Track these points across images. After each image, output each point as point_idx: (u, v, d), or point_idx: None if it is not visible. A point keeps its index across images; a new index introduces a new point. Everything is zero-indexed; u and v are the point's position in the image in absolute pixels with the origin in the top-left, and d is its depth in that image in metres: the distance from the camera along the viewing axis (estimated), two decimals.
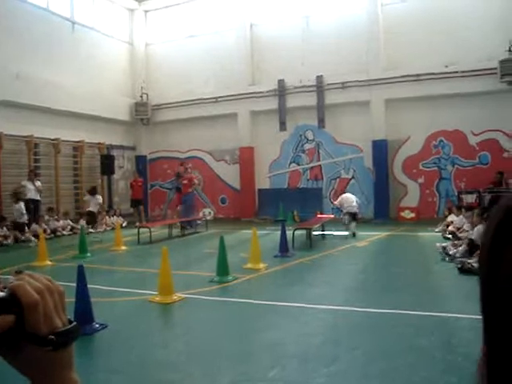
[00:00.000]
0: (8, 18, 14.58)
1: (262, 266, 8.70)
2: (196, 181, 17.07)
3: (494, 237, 0.56)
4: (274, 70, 17.76)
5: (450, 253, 8.25)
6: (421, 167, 16.29)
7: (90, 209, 15.98)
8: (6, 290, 0.66)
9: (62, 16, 16.89)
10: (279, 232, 10.23)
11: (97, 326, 5.28)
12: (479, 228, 7.96)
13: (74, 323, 0.71)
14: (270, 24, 18.34)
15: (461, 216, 11.53)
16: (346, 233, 12.59)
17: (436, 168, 16.13)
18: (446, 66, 15.28)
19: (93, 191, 16.19)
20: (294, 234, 10.82)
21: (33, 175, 14.31)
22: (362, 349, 4.55)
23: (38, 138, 15.43)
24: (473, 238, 8.29)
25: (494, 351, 0.55)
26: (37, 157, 15.78)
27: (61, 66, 16.21)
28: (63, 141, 16.30)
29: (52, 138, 15.96)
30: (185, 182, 16.10)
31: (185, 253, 10.87)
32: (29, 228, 13.77)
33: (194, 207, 16.72)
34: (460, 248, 8.49)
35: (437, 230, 12.59)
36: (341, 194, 14.30)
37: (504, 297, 0.53)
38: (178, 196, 17.06)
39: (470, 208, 11.06)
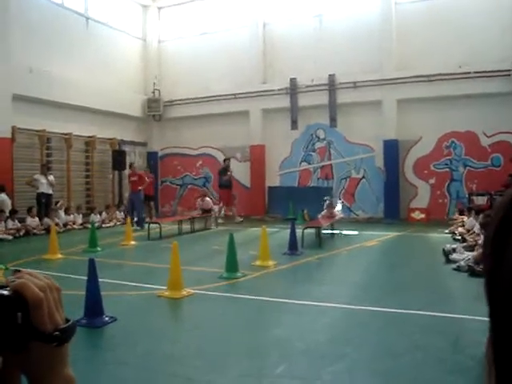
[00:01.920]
0: (22, 12, 14.69)
1: (271, 263, 8.72)
2: (147, 179, 16.04)
3: (497, 229, 0.57)
4: (286, 68, 17.75)
5: (457, 265, 8.09)
6: (432, 168, 16.22)
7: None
8: (8, 289, 0.67)
9: (76, 11, 16.99)
10: (289, 230, 10.24)
11: (106, 319, 5.33)
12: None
13: (72, 320, 0.73)
14: (283, 23, 18.32)
15: (471, 218, 11.47)
16: (356, 232, 12.61)
17: (447, 169, 16.06)
18: (460, 67, 15.18)
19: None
20: (303, 232, 10.82)
21: (45, 169, 14.41)
22: (368, 347, 4.56)
23: (50, 132, 15.54)
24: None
25: (500, 342, 0.56)
26: (49, 151, 15.90)
27: (74, 61, 16.31)
28: (75, 135, 16.40)
29: (64, 132, 16.07)
30: (134, 178, 15.40)
31: (194, 249, 10.90)
32: (41, 221, 13.91)
33: (141, 206, 15.72)
34: (469, 254, 8.36)
35: (447, 231, 12.52)
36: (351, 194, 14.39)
37: (508, 288, 0.54)
38: (222, 193, 17.15)
39: (480, 210, 11.00)
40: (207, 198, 15.76)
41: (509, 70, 14.48)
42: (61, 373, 0.72)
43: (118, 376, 4.06)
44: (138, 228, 14.41)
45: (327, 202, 12.89)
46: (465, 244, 9.52)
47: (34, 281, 0.70)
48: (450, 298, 6.40)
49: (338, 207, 13.38)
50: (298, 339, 4.78)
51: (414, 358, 4.21)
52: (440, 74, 15.44)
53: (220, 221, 16.19)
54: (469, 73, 15.04)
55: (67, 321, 0.73)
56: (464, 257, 8.27)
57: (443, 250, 8.89)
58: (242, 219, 16.54)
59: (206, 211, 15.39)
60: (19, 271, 0.72)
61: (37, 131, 15.13)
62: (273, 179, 18.52)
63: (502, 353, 0.55)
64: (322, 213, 12.57)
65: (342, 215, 13.28)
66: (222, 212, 16.87)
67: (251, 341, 4.88)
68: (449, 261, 8.45)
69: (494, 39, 14.77)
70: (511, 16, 14.73)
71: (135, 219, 14.92)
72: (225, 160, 17.46)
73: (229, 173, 16.95)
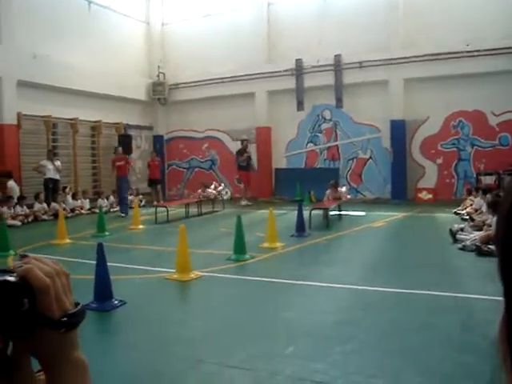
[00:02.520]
0: None
1: (278, 245, 8.73)
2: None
3: (510, 210, 0.55)
4: (291, 49, 17.59)
5: (464, 244, 8.05)
6: (439, 148, 16.12)
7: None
8: (14, 275, 0.66)
9: None
10: (296, 212, 10.24)
11: (116, 302, 5.36)
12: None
13: (81, 304, 0.73)
14: (287, 2, 18.13)
15: (478, 198, 11.42)
16: (363, 213, 12.57)
17: (455, 149, 15.95)
18: (468, 45, 14.98)
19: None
20: (310, 214, 10.82)
21: (52, 155, 14.43)
22: (377, 327, 4.57)
23: (55, 118, 15.53)
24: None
25: None
26: (55, 137, 15.92)
27: (78, 45, 16.23)
28: (81, 120, 16.39)
29: (70, 117, 16.06)
30: (121, 163, 14.76)
31: (202, 231, 10.94)
32: (49, 206, 13.96)
33: (126, 191, 15.09)
34: (475, 235, 8.30)
35: (456, 210, 12.45)
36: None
37: None
38: (241, 174, 17.16)
39: (488, 190, 10.94)
40: (208, 190, 15.42)
41: None
42: (71, 357, 0.72)
43: (128, 358, 4.08)
44: (123, 215, 14.15)
45: (330, 182, 12.75)
46: (472, 224, 9.47)
47: (41, 266, 0.69)
48: (459, 277, 6.39)
49: (343, 189, 13.15)
50: (307, 320, 4.80)
51: (424, 337, 4.21)
52: (447, 53, 15.26)
53: (243, 203, 16.21)
54: (477, 51, 14.84)
55: (77, 305, 0.72)
56: (471, 236, 8.25)
57: (450, 230, 8.86)
58: (248, 203, 16.34)
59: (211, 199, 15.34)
60: (26, 256, 0.72)
61: (42, 117, 15.13)
62: (279, 161, 18.48)
63: None
64: (326, 193, 12.49)
65: (347, 196, 13.05)
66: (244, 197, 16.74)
67: (260, 322, 4.89)
68: (456, 241, 8.42)
69: (501, 16, 14.54)
70: None
71: (119, 206, 14.80)
72: (242, 141, 17.27)
73: (246, 154, 16.81)
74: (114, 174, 15.05)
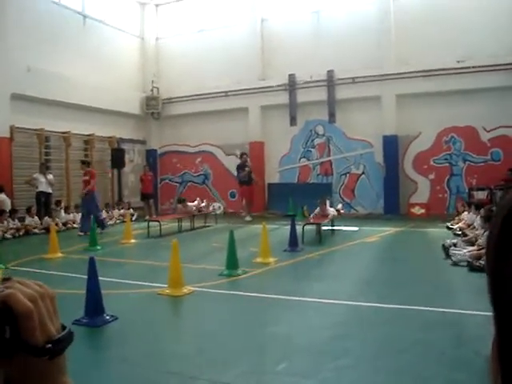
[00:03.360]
0: (19, 11, 14.64)
1: (271, 260, 8.71)
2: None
3: (501, 228, 0.55)
4: (284, 64, 17.70)
5: (456, 259, 8.07)
6: (432, 163, 16.20)
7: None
8: None
9: (74, 9, 16.94)
10: (289, 227, 10.23)
11: (107, 317, 5.31)
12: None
13: (68, 329, 0.69)
14: (281, 18, 18.29)
15: (471, 213, 11.46)
16: (356, 228, 12.52)
17: (447, 164, 16.05)
18: (458, 62, 15.16)
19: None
20: (303, 229, 10.81)
21: (44, 168, 14.38)
22: (370, 343, 4.55)
23: (48, 131, 15.51)
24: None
25: (505, 345, 0.55)
26: (48, 150, 15.87)
27: (72, 59, 16.26)
28: (74, 134, 16.37)
29: (63, 131, 16.04)
30: (86, 178, 13.68)
31: (194, 246, 10.89)
32: (40, 220, 13.88)
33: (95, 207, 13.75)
34: (468, 250, 8.32)
35: (449, 225, 12.47)
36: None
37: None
38: (243, 190, 16.78)
39: (480, 205, 10.99)
40: (189, 203, 14.75)
41: (508, 64, 14.46)
42: (57, 382, 0.69)
43: (119, 374, 4.04)
44: (102, 232, 13.25)
45: (319, 200, 12.32)
46: (465, 239, 9.50)
47: (24, 290, 0.65)
48: (451, 292, 6.39)
49: (337, 206, 12.79)
50: (300, 336, 4.77)
51: (417, 353, 4.20)
52: (439, 69, 15.41)
53: (248, 218, 15.92)
54: (468, 67, 15.01)
55: (63, 329, 0.69)
56: (464, 251, 8.26)
57: (443, 245, 8.88)
58: (251, 219, 15.89)
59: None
60: (9, 279, 0.68)
61: (35, 130, 15.10)
62: (272, 176, 18.50)
63: (508, 355, 0.54)
64: (315, 211, 12.17)
65: (334, 213, 12.26)
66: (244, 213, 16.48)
67: (252, 338, 4.86)
68: (449, 256, 8.43)
69: (493, 33, 14.71)
70: (509, 10, 14.69)
71: (83, 225, 13.33)
72: (241, 155, 17.08)
73: (246, 168, 16.49)
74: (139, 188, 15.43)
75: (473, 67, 14.96)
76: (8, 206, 13.35)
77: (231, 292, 6.73)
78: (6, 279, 0.68)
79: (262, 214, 17.13)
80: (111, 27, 18.67)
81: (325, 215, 11.89)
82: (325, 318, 5.37)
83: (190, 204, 14.76)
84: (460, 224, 11.71)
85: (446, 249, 8.70)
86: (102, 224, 13.53)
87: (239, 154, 17.41)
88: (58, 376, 0.68)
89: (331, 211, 12.10)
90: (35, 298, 0.66)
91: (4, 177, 13.70)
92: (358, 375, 3.88)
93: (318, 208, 12.06)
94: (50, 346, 0.65)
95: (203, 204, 15.53)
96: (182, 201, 14.95)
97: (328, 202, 12.75)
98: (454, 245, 8.94)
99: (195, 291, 6.57)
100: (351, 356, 4.22)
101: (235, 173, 18.18)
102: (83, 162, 14.46)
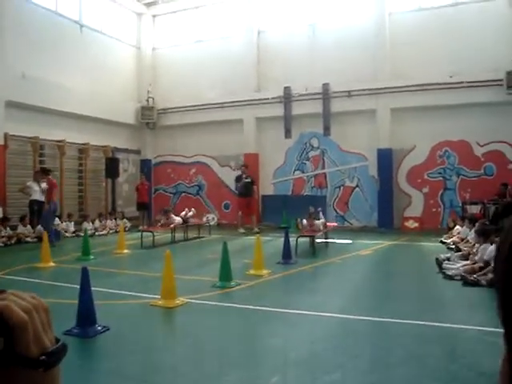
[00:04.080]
0: (16, 19, 14.66)
1: (265, 272, 8.68)
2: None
3: (508, 256, 0.55)
4: (280, 76, 17.78)
5: (449, 273, 8.08)
6: (426, 177, 16.25)
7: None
8: None
9: (71, 18, 16.98)
10: (282, 239, 10.21)
11: (99, 328, 5.26)
12: (488, 248, 7.75)
13: (62, 341, 0.70)
14: (277, 31, 18.40)
15: (464, 227, 11.49)
16: (350, 241, 12.49)
17: (441, 178, 16.10)
18: (451, 77, 15.27)
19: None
20: (297, 241, 10.80)
21: (38, 176, 14.29)
22: (363, 357, 4.52)
23: (43, 139, 15.46)
24: (476, 258, 8.16)
25: None
26: (42, 158, 15.81)
27: (68, 68, 16.28)
28: (68, 143, 16.34)
29: (57, 139, 16.00)
30: (46, 186, 13.44)
31: (188, 257, 10.86)
32: (33, 228, 13.80)
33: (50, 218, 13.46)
34: (462, 265, 8.32)
35: (442, 239, 12.47)
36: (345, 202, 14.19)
37: None
38: (239, 201, 16.55)
39: (474, 219, 11.02)
40: (173, 216, 14.03)
41: (501, 80, 14.58)
42: None
43: None
44: (54, 245, 12.27)
45: (309, 212, 12.12)
46: (459, 253, 9.51)
47: (19, 302, 0.66)
48: (445, 307, 6.38)
49: (320, 221, 12.16)
50: (293, 349, 4.74)
51: (410, 368, 4.18)
52: (433, 84, 15.52)
53: (241, 230, 15.67)
54: (461, 82, 15.12)
55: (57, 341, 0.69)
56: (457, 266, 8.27)
57: (436, 259, 8.89)
58: (258, 230, 15.20)
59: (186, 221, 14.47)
60: (3, 291, 0.68)
61: (29, 138, 15.06)
62: (267, 188, 18.50)
63: None
64: (304, 223, 11.91)
65: (322, 228, 11.92)
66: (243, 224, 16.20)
67: (245, 350, 4.83)
68: (442, 270, 8.43)
69: (486, 49, 14.85)
70: (504, 26, 14.84)
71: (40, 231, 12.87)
72: (241, 166, 16.96)
73: (244, 180, 16.27)
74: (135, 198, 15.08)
75: (465, 82, 15.06)
76: None
77: (224, 304, 6.70)
78: (0, 291, 0.68)
79: (255, 225, 16.76)
80: (108, 36, 18.73)
81: (313, 229, 11.60)
82: (317, 331, 5.34)
83: (173, 216, 14.04)
84: (454, 238, 11.73)
85: (439, 263, 8.71)
86: (52, 236, 12.55)
87: (240, 166, 17.28)
88: None
89: (319, 223, 11.88)
90: (30, 310, 0.66)
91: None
92: None
93: (305, 220, 11.86)
94: (44, 357, 0.65)
95: (190, 213, 14.92)
96: (165, 212, 14.35)
97: (320, 214, 12.69)
98: (448, 259, 8.97)
99: (188, 302, 6.53)
100: (344, 370, 4.19)
101: (229, 184, 18.22)
102: (43, 170, 13.81)
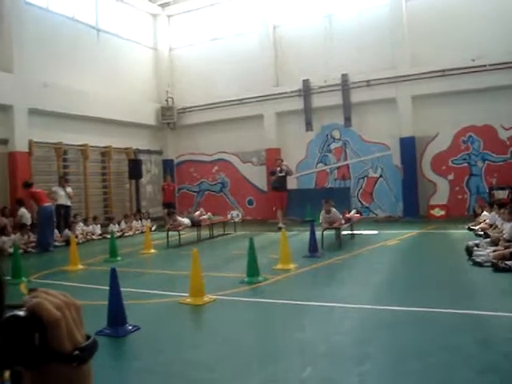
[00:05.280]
0: (35, 29, 14.91)
1: (292, 266, 8.66)
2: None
3: None
4: (298, 70, 17.70)
5: (479, 260, 7.95)
6: (450, 164, 16.03)
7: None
8: (24, 309, 0.66)
9: (87, 24, 17.16)
10: (308, 232, 10.17)
11: (130, 327, 5.31)
12: None
13: (93, 337, 0.72)
14: (293, 24, 18.30)
15: (493, 213, 11.29)
16: (376, 232, 12.37)
17: (466, 164, 15.85)
18: (473, 60, 15.00)
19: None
20: (323, 234, 10.75)
21: (63, 181, 14.49)
22: (394, 348, 4.47)
23: (66, 144, 15.66)
24: (505, 236, 8.04)
25: None
26: (66, 163, 16.02)
27: (87, 72, 16.46)
28: (91, 147, 16.52)
29: (80, 144, 16.18)
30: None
31: (214, 255, 10.89)
32: (60, 233, 13.99)
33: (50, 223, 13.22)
34: (491, 250, 8.18)
35: (470, 226, 12.28)
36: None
37: None
38: (273, 195, 16.03)
39: (502, 204, 10.82)
40: (179, 218, 13.60)
41: None
42: None
43: None
44: (39, 252, 12.45)
45: (324, 204, 11.32)
46: (488, 239, 9.35)
47: (51, 299, 0.68)
48: (475, 294, 6.29)
49: (351, 212, 11.83)
50: (323, 342, 4.72)
51: (442, 357, 4.11)
52: (454, 69, 15.27)
53: (280, 225, 14.64)
54: (484, 65, 14.85)
55: (88, 338, 0.71)
56: (487, 252, 8.14)
57: (467, 246, 8.70)
58: (284, 226, 14.51)
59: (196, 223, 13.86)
60: (35, 290, 0.71)
61: (53, 144, 15.27)
62: (290, 182, 18.38)
63: None
64: (320, 219, 11.42)
65: (342, 221, 11.29)
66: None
67: (275, 345, 4.82)
68: (472, 257, 8.29)
69: (508, 30, 14.56)
70: None
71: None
72: (276, 160, 16.41)
73: (279, 174, 15.62)
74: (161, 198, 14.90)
75: (488, 65, 14.79)
76: (28, 220, 13.47)
77: (252, 299, 6.70)
78: (31, 290, 0.71)
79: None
80: (124, 39, 18.86)
81: (331, 222, 11.08)
82: (347, 323, 5.31)
83: (179, 218, 13.57)
84: (482, 224, 11.55)
85: (469, 250, 8.54)
86: (41, 244, 12.70)
87: (275, 160, 16.65)
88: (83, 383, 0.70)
89: (338, 215, 11.23)
90: (62, 307, 0.68)
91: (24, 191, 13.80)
92: (383, 380, 3.82)
93: (323, 211, 11.25)
94: (77, 352, 0.67)
95: (204, 216, 14.55)
96: (169, 215, 13.94)
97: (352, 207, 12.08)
98: (477, 246, 8.81)
99: (216, 299, 6.54)
100: (375, 361, 4.16)
101: (252, 180, 18.22)
102: (24, 184, 13.29)
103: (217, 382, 3.96)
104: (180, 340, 5.13)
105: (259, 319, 5.86)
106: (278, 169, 15.67)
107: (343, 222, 11.40)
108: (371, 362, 4.12)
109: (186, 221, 13.68)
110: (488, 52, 14.82)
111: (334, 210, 11.19)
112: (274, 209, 16.12)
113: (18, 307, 0.66)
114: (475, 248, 8.60)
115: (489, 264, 7.60)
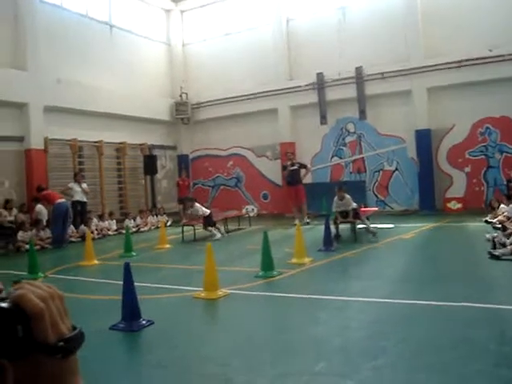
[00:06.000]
0: (49, 26, 14.99)
1: (306, 260, 8.62)
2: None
3: None
4: (311, 63, 17.59)
5: (496, 253, 7.83)
6: (467, 156, 15.82)
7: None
8: (7, 301, 0.65)
9: (101, 20, 17.22)
10: (322, 226, 10.12)
11: (144, 322, 5.32)
12: None
13: (79, 328, 0.70)
14: (306, 17, 18.18)
15: (511, 205, 11.13)
16: (392, 225, 12.25)
17: (483, 156, 15.64)
18: (490, 50, 14.77)
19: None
20: (337, 227, 10.68)
21: (79, 177, 14.56)
22: (409, 341, 4.42)
23: (81, 141, 15.74)
24: None
25: None
26: (81, 159, 16.11)
27: (100, 69, 16.53)
28: (106, 143, 16.59)
29: (95, 140, 16.27)
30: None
31: (229, 249, 10.89)
32: (76, 229, 14.09)
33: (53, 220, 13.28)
34: (510, 243, 8.06)
35: (487, 219, 12.13)
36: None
37: None
38: (288, 190, 15.68)
39: None
40: (197, 204, 13.39)
41: None
42: (69, 383, 0.68)
43: (157, 378, 4.03)
44: (54, 248, 12.68)
45: (337, 191, 11.13)
46: (506, 232, 9.21)
47: (34, 290, 0.67)
48: (493, 288, 6.20)
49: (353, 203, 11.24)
50: (337, 335, 4.69)
51: (459, 351, 4.06)
52: (469, 59, 15.06)
53: (296, 222, 13.18)
54: (500, 56, 14.61)
55: (74, 329, 0.69)
56: (507, 243, 8.02)
57: (492, 240, 8.50)
58: (309, 220, 14.74)
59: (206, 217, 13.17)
60: (19, 282, 0.70)
61: (68, 141, 15.35)
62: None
63: None
64: (334, 206, 11.25)
65: (353, 204, 11.12)
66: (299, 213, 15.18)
67: (289, 339, 4.79)
68: (495, 248, 8.13)
69: None
70: None
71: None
72: (286, 154, 16.22)
73: (290, 168, 15.28)
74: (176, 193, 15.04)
75: (505, 55, 14.56)
76: (45, 216, 13.57)
77: (267, 293, 6.68)
78: (16, 282, 0.69)
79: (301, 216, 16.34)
80: (138, 35, 18.89)
81: (344, 210, 10.98)
82: (362, 317, 5.26)
83: (197, 205, 13.33)
84: (499, 217, 11.40)
85: (493, 242, 8.36)
86: (56, 240, 12.91)
87: (285, 153, 16.52)
88: (69, 377, 0.69)
89: (352, 202, 11.07)
90: (46, 298, 0.67)
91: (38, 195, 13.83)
92: (398, 374, 3.77)
93: (336, 198, 11.07)
94: (62, 344, 0.66)
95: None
96: (184, 201, 13.42)
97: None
98: (494, 238, 8.68)
99: (231, 294, 6.54)
100: (390, 355, 4.12)
101: (267, 174, 18.17)
102: (37, 189, 13.49)
103: (231, 376, 3.94)
104: (194, 334, 5.13)
105: (273, 313, 5.84)
106: (289, 163, 15.44)
107: (355, 205, 11.23)
108: (386, 356, 4.08)
109: (204, 209, 13.32)
110: (506, 42, 14.57)
111: (347, 196, 11.13)
112: (293, 205, 15.72)
113: (3, 300, 0.65)
114: (494, 240, 8.46)
115: (506, 257, 7.50)
